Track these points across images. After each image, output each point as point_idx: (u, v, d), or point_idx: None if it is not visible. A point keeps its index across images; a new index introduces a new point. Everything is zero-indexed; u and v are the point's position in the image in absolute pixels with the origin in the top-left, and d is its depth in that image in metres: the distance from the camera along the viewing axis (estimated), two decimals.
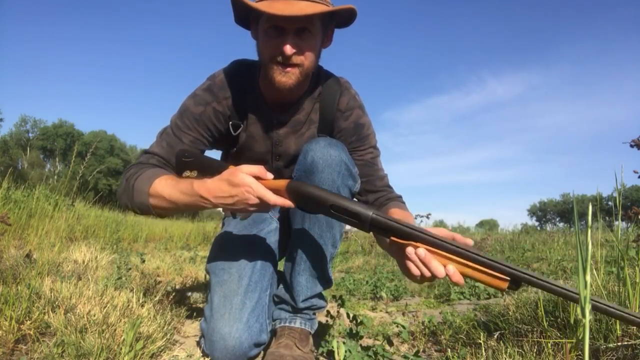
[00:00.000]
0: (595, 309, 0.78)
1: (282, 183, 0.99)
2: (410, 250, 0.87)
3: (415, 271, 0.88)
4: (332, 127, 1.34)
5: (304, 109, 1.31)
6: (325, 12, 1.10)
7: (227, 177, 1.01)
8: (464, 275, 0.85)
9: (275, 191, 0.99)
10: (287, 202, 0.99)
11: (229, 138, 1.33)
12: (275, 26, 1.11)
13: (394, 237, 0.90)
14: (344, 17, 1.19)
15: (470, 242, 0.87)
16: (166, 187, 1.11)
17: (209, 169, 1.11)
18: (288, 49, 1.10)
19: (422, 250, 0.86)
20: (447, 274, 0.85)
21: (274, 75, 1.15)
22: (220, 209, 1.62)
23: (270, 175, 1.02)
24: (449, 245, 0.85)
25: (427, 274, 0.86)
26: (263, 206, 1.01)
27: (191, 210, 1.16)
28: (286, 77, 1.15)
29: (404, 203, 1.34)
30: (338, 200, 0.94)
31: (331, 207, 0.94)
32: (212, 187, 1.02)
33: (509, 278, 0.81)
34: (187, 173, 1.15)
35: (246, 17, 1.21)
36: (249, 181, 0.98)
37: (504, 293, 0.85)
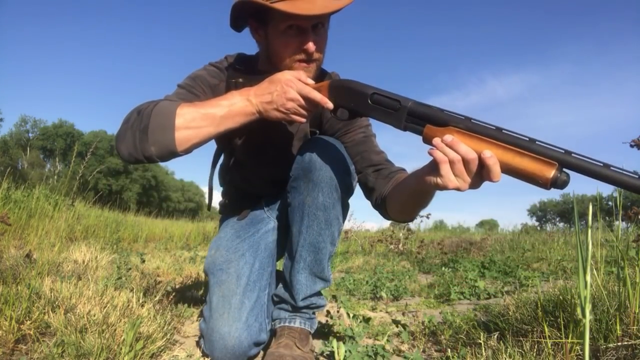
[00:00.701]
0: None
1: (324, 83, 1.01)
2: (437, 139, 0.80)
3: (441, 156, 0.78)
4: (321, 118, 1.34)
5: None
6: (343, 6, 1.10)
7: (269, 77, 1.03)
8: (504, 164, 0.75)
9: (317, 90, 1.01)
10: (326, 100, 0.99)
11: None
12: (294, 25, 1.10)
13: (430, 124, 0.84)
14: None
15: None
16: (198, 103, 1.02)
17: (256, 78, 1.08)
18: (311, 47, 1.10)
19: (449, 135, 0.78)
20: (482, 158, 0.75)
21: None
22: (219, 210, 1.63)
23: (310, 81, 1.03)
24: (487, 126, 0.76)
25: (456, 157, 0.77)
26: (302, 105, 1.00)
27: (228, 124, 1.02)
28: (308, 73, 1.14)
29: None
30: (378, 90, 0.94)
31: (372, 95, 0.94)
32: (251, 88, 1.02)
33: (556, 163, 0.71)
34: (234, 80, 1.14)
35: (244, 19, 1.18)
36: (290, 77, 1.00)
37: (548, 189, 0.72)
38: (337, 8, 1.08)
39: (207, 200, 1.60)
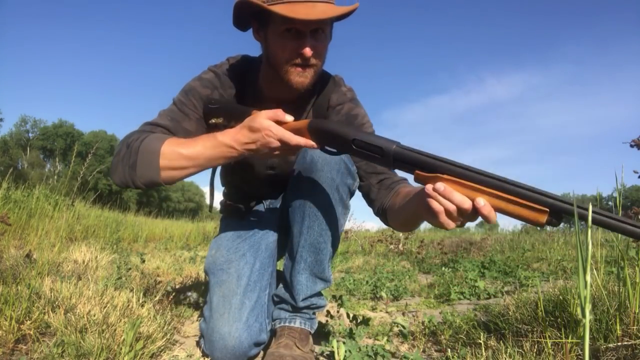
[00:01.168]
0: (596, 222, 0.69)
1: (303, 123, 0.98)
2: (429, 186, 0.80)
3: (437, 207, 0.80)
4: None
5: (301, 106, 1.31)
6: (343, 14, 1.10)
7: (248, 123, 1.00)
8: (497, 209, 0.76)
9: (297, 132, 0.98)
10: (310, 142, 0.98)
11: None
12: (292, 29, 1.10)
13: (419, 170, 0.84)
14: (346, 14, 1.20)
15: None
16: (182, 142, 1.05)
17: (235, 115, 1.09)
18: (308, 51, 1.10)
19: (441, 184, 0.79)
20: (476, 207, 0.76)
21: (290, 77, 1.14)
22: (219, 210, 1.63)
23: (289, 118, 1.01)
24: (477, 174, 0.77)
25: (451, 207, 0.78)
26: (286, 148, 1.00)
27: (211, 165, 1.07)
28: (303, 78, 1.15)
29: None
30: (359, 134, 0.90)
31: (353, 141, 0.91)
32: (236, 135, 1.01)
33: (547, 209, 0.72)
34: (214, 120, 1.13)
35: (246, 19, 1.19)
36: (268, 124, 0.98)
37: (542, 227, 0.75)
38: (336, 15, 1.08)
39: (207, 201, 1.60)
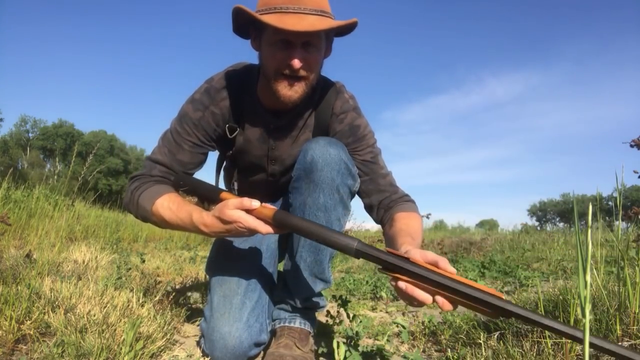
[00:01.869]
0: (595, 347, 0.74)
1: (269, 213, 1.03)
2: (395, 283, 0.89)
3: (406, 298, 0.89)
4: (327, 131, 1.33)
5: (301, 114, 1.31)
6: (335, 27, 1.10)
7: (218, 215, 1.05)
8: (454, 302, 0.85)
9: (264, 219, 1.03)
10: (277, 231, 1.04)
11: (226, 140, 1.33)
12: (282, 40, 1.10)
13: (380, 267, 0.91)
14: (346, 29, 1.19)
15: (453, 270, 0.87)
16: (167, 211, 1.16)
17: (204, 196, 1.18)
18: (296, 63, 1.10)
19: (402, 283, 0.87)
20: (435, 302, 0.86)
21: (279, 89, 1.15)
22: None
23: (256, 204, 1.04)
24: (431, 278, 0.85)
25: (415, 302, 0.88)
26: (257, 233, 1.07)
27: (189, 232, 1.26)
28: (292, 92, 1.15)
29: (411, 202, 1.32)
30: (323, 234, 0.96)
31: (317, 240, 0.98)
32: (209, 223, 1.08)
33: (494, 312, 0.80)
34: (188, 198, 1.21)
35: (246, 27, 1.19)
36: (238, 216, 1.02)
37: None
38: (326, 28, 1.07)
39: None
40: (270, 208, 1.04)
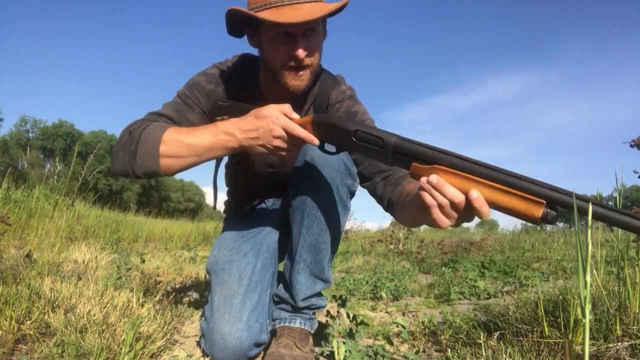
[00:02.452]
0: (595, 216, 0.67)
1: (307, 118, 0.99)
2: (423, 179, 0.80)
3: (430, 201, 0.78)
4: None
5: (300, 104, 1.31)
6: (333, 10, 1.10)
7: (254, 112, 1.00)
8: (491, 202, 0.74)
9: (301, 126, 0.98)
10: (311, 136, 0.97)
11: None
12: (283, 33, 1.10)
13: (416, 162, 0.83)
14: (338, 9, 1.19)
15: None
16: (184, 131, 1.04)
17: (242, 114, 1.07)
18: (301, 53, 1.10)
19: (434, 176, 0.78)
20: (469, 199, 0.75)
21: (286, 81, 1.15)
22: (221, 210, 1.63)
23: (296, 115, 1.00)
24: (473, 164, 0.75)
25: (444, 201, 0.77)
26: (287, 141, 0.98)
27: (210, 155, 1.04)
28: (299, 81, 1.15)
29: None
30: (361, 126, 0.92)
31: (354, 133, 0.91)
32: (238, 122, 1.00)
33: (543, 201, 0.69)
34: (219, 118, 1.12)
35: (240, 27, 1.19)
36: (275, 113, 0.97)
37: (537, 225, 0.74)
38: (325, 13, 1.07)
39: (207, 200, 1.61)
40: (307, 116, 1.00)
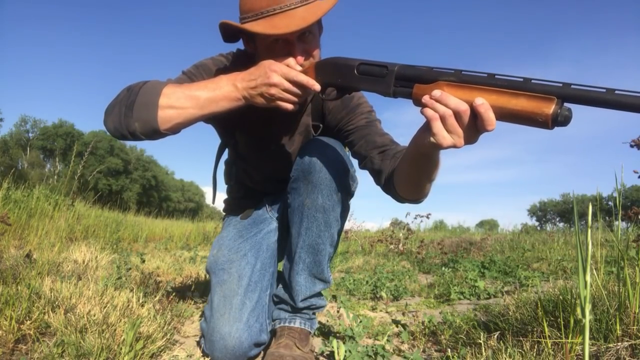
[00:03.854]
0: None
1: (310, 65, 1.00)
2: (426, 96, 0.76)
3: (431, 114, 0.75)
4: (323, 111, 1.33)
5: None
6: (323, 14, 1.09)
7: (256, 64, 1.00)
8: (498, 109, 0.70)
9: (304, 74, 0.99)
10: (312, 81, 0.97)
11: (229, 116, 1.32)
12: (277, 40, 1.09)
13: (419, 83, 0.81)
14: None
15: None
16: (183, 86, 1.02)
17: None
18: (300, 60, 1.09)
19: (437, 91, 0.75)
20: (473, 107, 0.71)
21: None
22: (221, 209, 1.63)
23: (299, 67, 1.01)
24: (477, 74, 0.72)
25: (447, 111, 0.73)
26: (286, 87, 0.97)
27: (212, 108, 1.01)
28: None
29: None
30: (364, 60, 0.91)
31: (358, 67, 0.91)
32: (239, 73, 1.00)
33: (554, 97, 0.65)
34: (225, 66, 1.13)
35: (236, 35, 1.16)
36: (276, 62, 0.98)
37: (550, 128, 0.67)
38: (317, 18, 1.06)
39: (207, 200, 1.62)
40: (310, 63, 1.01)
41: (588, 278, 0.45)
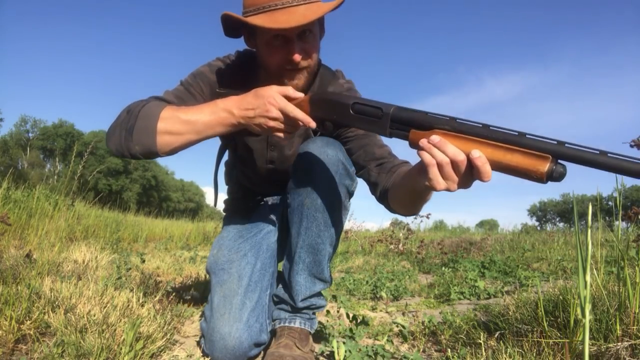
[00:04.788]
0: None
1: (305, 97, 1.00)
2: (423, 140, 0.78)
3: (429, 159, 0.76)
4: None
5: None
6: (324, 13, 1.10)
7: (254, 90, 1.00)
8: (493, 162, 0.72)
9: (299, 107, 0.98)
10: (308, 119, 0.97)
11: None
12: (277, 36, 1.10)
13: (415, 128, 0.82)
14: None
15: None
16: (182, 108, 1.03)
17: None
18: (297, 57, 1.10)
19: (436, 136, 0.76)
20: (470, 159, 0.73)
21: (284, 81, 1.15)
22: (221, 209, 1.63)
23: (299, 94, 1.00)
24: (473, 125, 0.73)
25: (444, 159, 0.74)
26: (284, 122, 0.98)
27: (208, 133, 1.03)
28: (297, 80, 1.16)
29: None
30: (358, 99, 0.93)
31: (352, 105, 0.92)
32: (236, 99, 1.00)
33: (549, 155, 0.67)
34: (220, 90, 1.15)
35: (237, 29, 1.18)
36: (274, 94, 0.97)
37: (544, 183, 0.68)
38: (318, 16, 1.07)
39: (207, 200, 1.62)
40: (306, 96, 1.00)
41: (588, 278, 0.45)
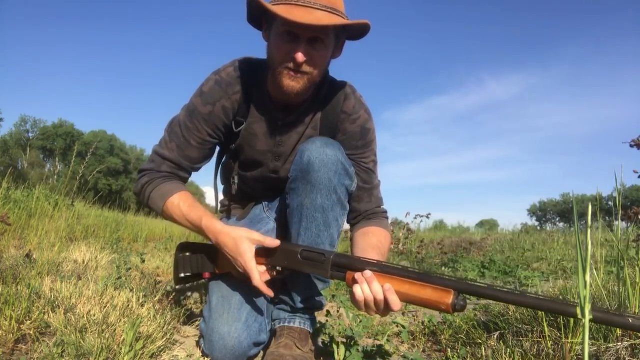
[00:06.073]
0: (597, 320, 0.76)
1: (268, 244, 1.12)
2: (358, 274, 0.97)
3: (359, 296, 0.96)
4: (336, 131, 1.31)
5: (309, 112, 1.31)
6: (341, 25, 1.10)
7: (235, 238, 1.12)
8: (410, 295, 0.91)
9: (268, 251, 1.13)
10: (269, 291, 1.11)
11: (231, 134, 1.32)
12: (289, 32, 1.10)
13: (350, 270, 1.01)
14: (357, 31, 1.20)
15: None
16: (176, 211, 1.23)
17: (206, 266, 1.29)
18: (300, 57, 1.10)
19: (369, 272, 0.96)
20: (384, 289, 0.93)
21: (282, 79, 1.15)
22: (219, 209, 1.63)
23: (275, 243, 1.11)
24: (394, 267, 0.95)
25: (369, 294, 0.95)
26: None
27: (197, 233, 1.27)
28: (294, 82, 1.15)
29: (387, 219, 1.39)
30: (305, 247, 1.11)
31: (301, 252, 1.08)
32: (220, 235, 1.15)
33: (452, 290, 0.86)
34: (182, 274, 1.30)
35: (259, 17, 1.20)
36: (247, 257, 1.10)
37: (452, 313, 0.90)
38: (332, 24, 1.07)
39: (207, 200, 1.62)
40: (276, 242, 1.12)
41: (588, 278, 0.45)
